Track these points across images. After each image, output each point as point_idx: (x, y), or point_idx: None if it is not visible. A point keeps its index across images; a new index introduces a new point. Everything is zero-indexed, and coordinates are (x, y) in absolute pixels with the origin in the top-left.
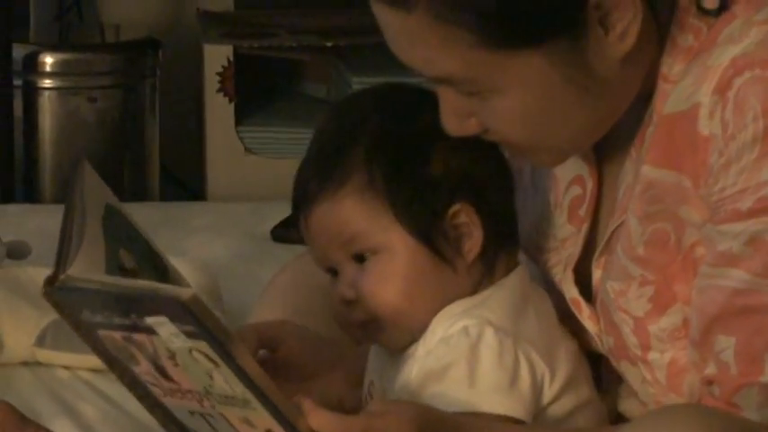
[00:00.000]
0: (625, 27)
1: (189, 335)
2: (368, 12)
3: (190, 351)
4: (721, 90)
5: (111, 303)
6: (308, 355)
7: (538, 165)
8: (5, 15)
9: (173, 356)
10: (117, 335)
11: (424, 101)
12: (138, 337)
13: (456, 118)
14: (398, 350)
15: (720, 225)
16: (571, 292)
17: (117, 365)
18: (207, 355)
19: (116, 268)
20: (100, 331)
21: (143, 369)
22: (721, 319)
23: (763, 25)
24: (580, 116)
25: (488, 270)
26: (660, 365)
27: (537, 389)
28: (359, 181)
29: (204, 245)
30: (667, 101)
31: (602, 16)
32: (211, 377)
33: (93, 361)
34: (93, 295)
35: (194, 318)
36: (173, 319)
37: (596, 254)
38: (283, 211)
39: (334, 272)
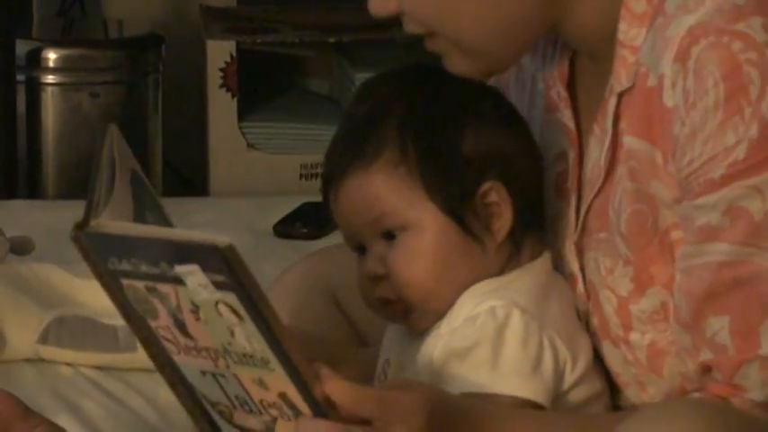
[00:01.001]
0: None
1: (218, 285)
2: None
3: (216, 304)
4: (681, 59)
5: (142, 250)
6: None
7: (463, 70)
8: (8, 11)
9: (196, 310)
10: (141, 285)
11: (452, 80)
12: (162, 287)
13: None
14: (423, 330)
15: (696, 200)
16: (571, 266)
17: (134, 318)
18: (233, 309)
19: (163, 222)
20: (123, 280)
21: (161, 323)
22: (711, 299)
23: None
24: (480, 1)
25: (516, 251)
26: (640, 346)
27: (559, 374)
28: (391, 155)
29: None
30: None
31: None
32: (233, 333)
33: (97, 358)
34: (124, 242)
35: (229, 267)
36: (205, 268)
37: (577, 230)
38: (286, 206)
39: (362, 249)
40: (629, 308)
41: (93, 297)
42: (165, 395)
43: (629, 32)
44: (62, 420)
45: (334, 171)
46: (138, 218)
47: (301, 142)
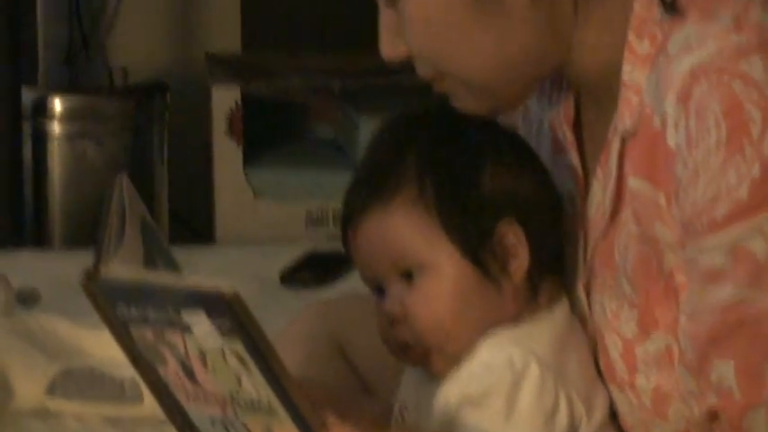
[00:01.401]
0: None
1: (224, 333)
2: (374, 54)
3: (222, 351)
4: (684, 99)
5: (150, 296)
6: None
7: (470, 108)
8: (14, 60)
9: (203, 357)
10: (149, 332)
11: (469, 121)
12: (170, 334)
13: (387, 36)
14: (442, 374)
15: (699, 240)
16: (582, 309)
17: (143, 365)
18: (239, 357)
19: (170, 268)
20: (132, 327)
21: (170, 370)
22: (716, 342)
23: (718, 37)
24: (485, 38)
25: (533, 294)
26: (646, 390)
27: (573, 429)
28: (410, 194)
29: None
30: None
31: None
32: (240, 381)
33: (103, 409)
34: (132, 288)
35: (234, 314)
36: (210, 314)
37: (580, 273)
38: (292, 254)
39: (380, 291)
40: (634, 351)
41: (99, 348)
42: None
43: (633, 73)
44: None
45: (352, 210)
46: (149, 264)
47: (307, 189)
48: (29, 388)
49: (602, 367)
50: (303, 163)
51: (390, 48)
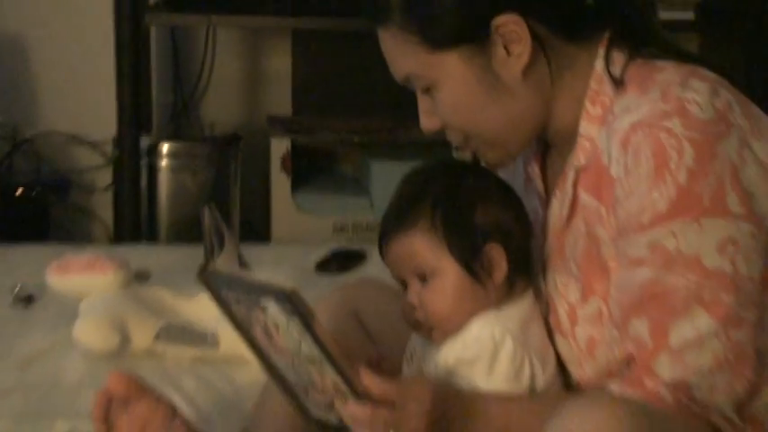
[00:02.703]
0: (520, 52)
1: (287, 314)
2: (383, 117)
3: (287, 324)
4: (624, 144)
5: (241, 287)
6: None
7: (492, 162)
8: (136, 117)
9: (276, 327)
10: (242, 309)
11: (468, 171)
12: (255, 312)
13: (426, 116)
14: (439, 343)
15: (629, 239)
16: (541, 285)
17: (243, 330)
18: (298, 329)
19: (244, 266)
20: (232, 306)
21: (258, 333)
22: (635, 307)
23: (650, 104)
24: (495, 110)
25: (510, 288)
26: (582, 338)
27: (533, 381)
28: (424, 225)
29: (268, 274)
30: (592, 153)
31: (505, 42)
32: (300, 344)
33: (192, 352)
34: (230, 280)
35: (292, 304)
36: (278, 302)
37: (539, 259)
38: (324, 251)
39: (404, 284)
40: (576, 312)
41: (190, 310)
42: (240, 377)
43: (588, 128)
44: (168, 394)
45: (386, 233)
46: (241, 264)
47: (334, 208)
48: (142, 337)
49: (552, 323)
50: (332, 190)
51: (429, 123)
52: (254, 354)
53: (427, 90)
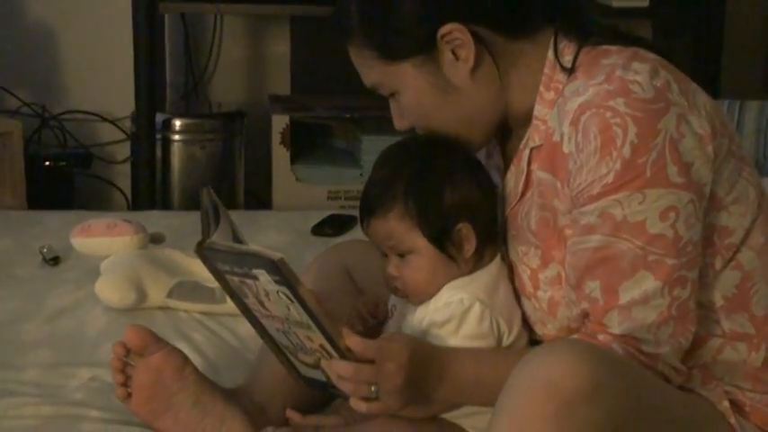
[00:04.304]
0: (466, 56)
1: (277, 282)
2: (373, 96)
3: (277, 292)
4: (574, 123)
5: (234, 259)
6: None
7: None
8: (151, 96)
9: (267, 294)
10: (236, 278)
11: (438, 149)
12: (247, 281)
13: (397, 118)
14: (416, 304)
15: (581, 208)
16: (502, 251)
17: (236, 298)
18: (287, 295)
19: (238, 242)
20: (227, 276)
21: (250, 301)
22: (588, 270)
23: (596, 86)
24: (451, 109)
25: (479, 258)
26: (543, 299)
27: (499, 340)
28: (398, 210)
29: (270, 237)
30: (546, 134)
31: (452, 48)
32: (289, 309)
33: (202, 307)
34: (224, 253)
35: (280, 272)
36: (268, 271)
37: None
38: (319, 217)
39: (385, 255)
40: (538, 276)
41: (200, 270)
42: (244, 330)
43: (542, 111)
44: (179, 345)
45: (365, 214)
46: (236, 239)
47: (329, 178)
48: (156, 293)
49: (518, 285)
50: (327, 162)
51: (400, 123)
52: (248, 320)
53: (393, 95)
